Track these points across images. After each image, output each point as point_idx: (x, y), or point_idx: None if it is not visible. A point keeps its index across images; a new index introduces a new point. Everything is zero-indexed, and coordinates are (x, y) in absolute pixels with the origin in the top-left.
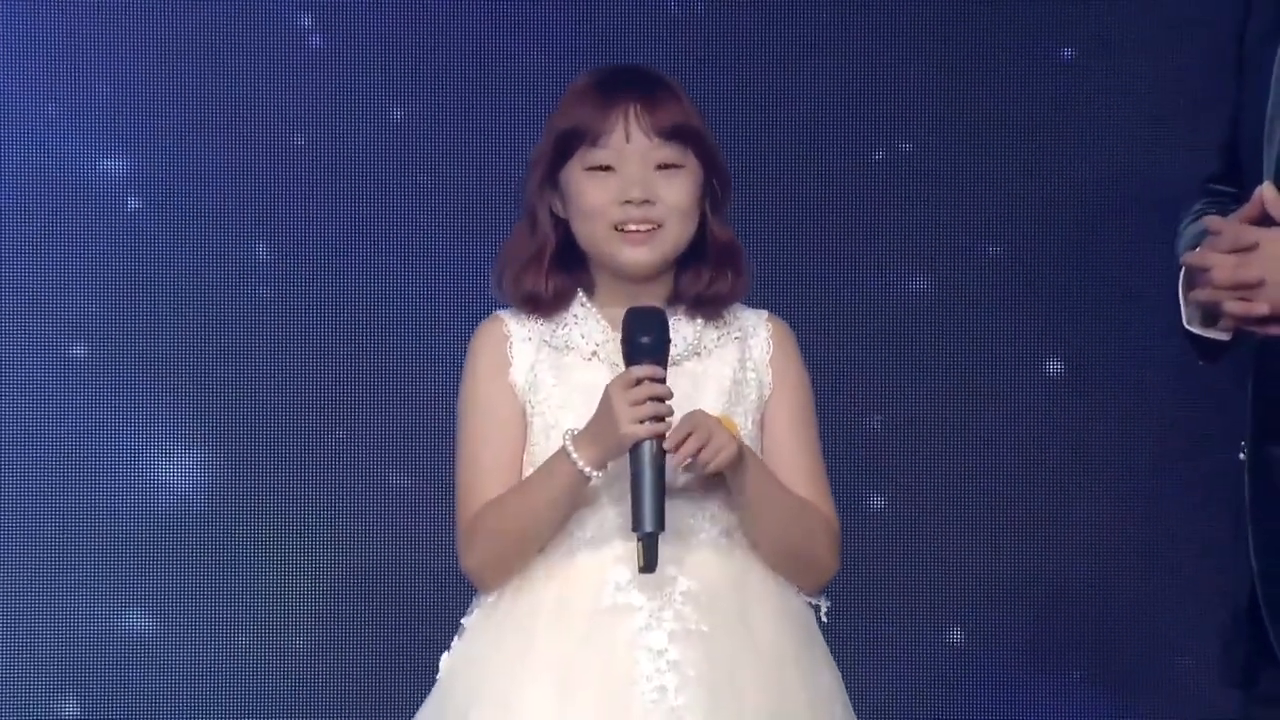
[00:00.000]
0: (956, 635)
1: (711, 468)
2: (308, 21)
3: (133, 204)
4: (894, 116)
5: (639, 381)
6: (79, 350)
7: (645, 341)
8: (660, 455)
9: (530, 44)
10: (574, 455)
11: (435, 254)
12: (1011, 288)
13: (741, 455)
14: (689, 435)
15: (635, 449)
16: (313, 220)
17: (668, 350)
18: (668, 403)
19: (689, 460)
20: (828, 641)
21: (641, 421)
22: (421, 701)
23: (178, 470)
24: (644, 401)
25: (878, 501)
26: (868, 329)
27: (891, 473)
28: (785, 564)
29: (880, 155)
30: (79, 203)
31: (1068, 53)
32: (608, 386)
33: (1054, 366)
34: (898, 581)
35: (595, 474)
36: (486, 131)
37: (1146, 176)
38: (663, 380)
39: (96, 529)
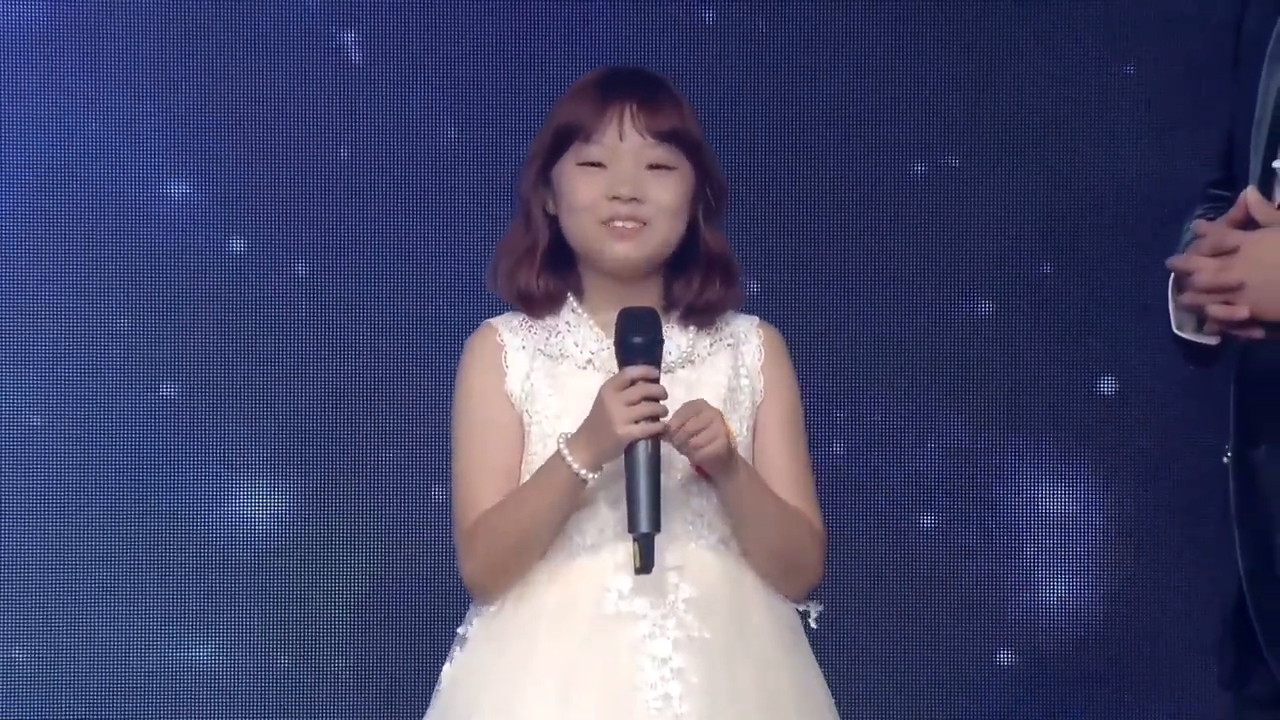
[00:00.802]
0: (1006, 656)
1: (699, 455)
2: (350, 38)
3: (199, 232)
4: (943, 130)
5: (633, 382)
6: (169, 390)
7: (638, 342)
8: (656, 455)
9: (571, 53)
10: (569, 458)
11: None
12: (1066, 306)
13: (732, 456)
14: (687, 420)
15: (630, 450)
16: (367, 244)
17: (661, 350)
18: (662, 403)
19: (683, 442)
20: (875, 660)
21: (636, 422)
22: None
23: (243, 506)
24: (638, 402)
25: (927, 520)
26: (913, 348)
27: (943, 492)
28: (773, 569)
29: (921, 168)
30: (157, 239)
31: (1129, 69)
32: (601, 388)
33: (1108, 385)
34: (946, 601)
35: (591, 476)
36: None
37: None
38: (657, 380)
39: (174, 562)
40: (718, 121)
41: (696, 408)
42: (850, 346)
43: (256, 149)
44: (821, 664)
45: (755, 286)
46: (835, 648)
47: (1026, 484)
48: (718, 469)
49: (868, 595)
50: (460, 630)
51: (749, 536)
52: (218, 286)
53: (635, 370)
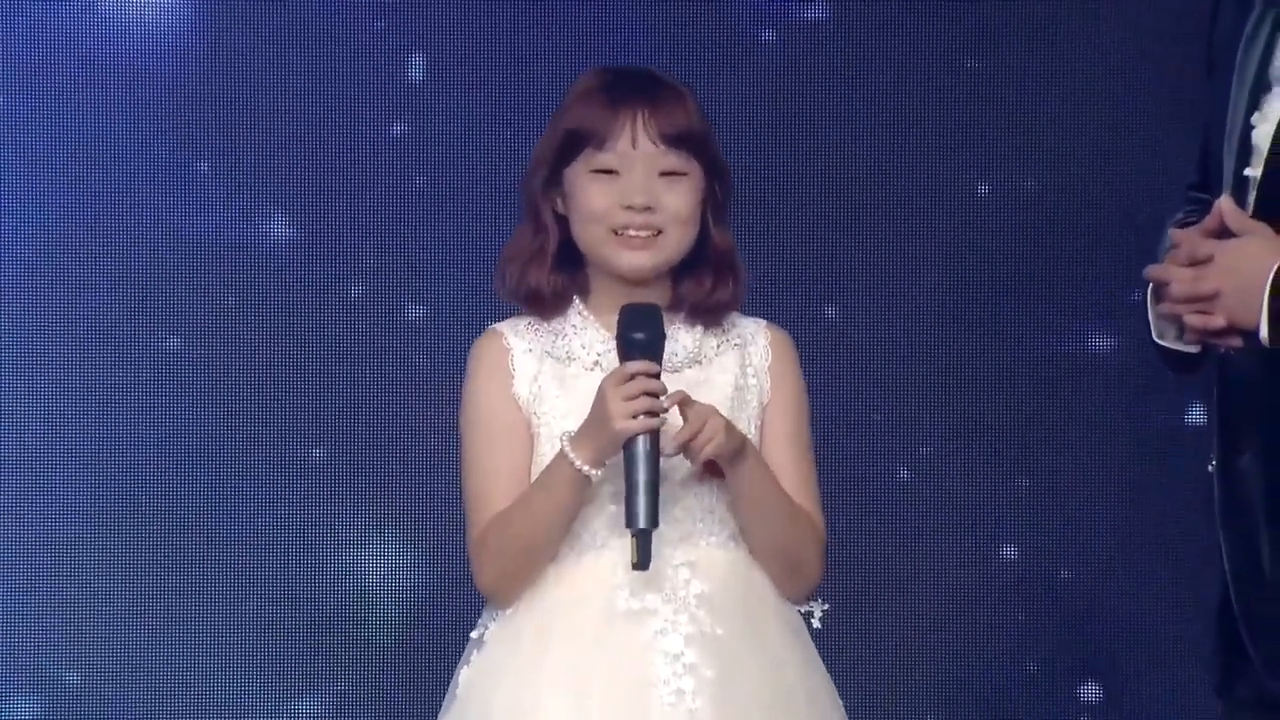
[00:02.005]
0: (1091, 689)
1: (704, 455)
2: (420, 60)
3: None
4: (1016, 150)
5: (632, 377)
6: (318, 454)
7: (639, 337)
8: (654, 451)
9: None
10: (572, 456)
11: None
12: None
13: (743, 450)
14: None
15: (629, 445)
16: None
17: (663, 346)
18: (661, 399)
19: (683, 448)
20: (961, 686)
21: (635, 416)
22: None
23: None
24: (637, 396)
25: (1011, 552)
26: (994, 378)
27: (1028, 524)
28: (775, 566)
29: (985, 189)
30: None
31: None
32: (601, 383)
33: (1196, 414)
34: (1027, 631)
35: (594, 473)
36: None
37: None
38: (656, 375)
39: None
40: (780, 144)
41: (681, 402)
42: (923, 373)
43: (344, 186)
44: (897, 688)
45: (832, 311)
46: (924, 678)
47: (1109, 513)
48: (726, 460)
49: (951, 623)
50: (474, 634)
51: (755, 528)
52: (332, 331)
53: (635, 365)
